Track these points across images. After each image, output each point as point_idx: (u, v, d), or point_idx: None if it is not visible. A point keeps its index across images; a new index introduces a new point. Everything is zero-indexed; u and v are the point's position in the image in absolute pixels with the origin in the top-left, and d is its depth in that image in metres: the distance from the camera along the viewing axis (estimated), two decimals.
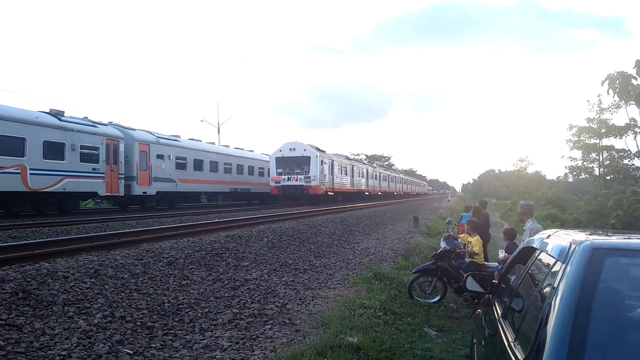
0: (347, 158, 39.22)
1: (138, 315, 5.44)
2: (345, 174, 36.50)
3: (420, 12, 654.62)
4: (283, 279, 8.18)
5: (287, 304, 6.71)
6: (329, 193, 31.97)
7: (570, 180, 50.56)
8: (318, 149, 30.92)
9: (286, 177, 29.34)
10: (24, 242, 8.60)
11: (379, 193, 51.30)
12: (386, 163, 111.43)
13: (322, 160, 30.12)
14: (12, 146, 16.27)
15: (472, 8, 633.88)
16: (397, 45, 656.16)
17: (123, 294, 6.00)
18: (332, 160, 32.90)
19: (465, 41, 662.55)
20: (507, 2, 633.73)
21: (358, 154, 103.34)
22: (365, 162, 48.54)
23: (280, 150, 30.11)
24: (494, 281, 3.81)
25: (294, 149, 29.77)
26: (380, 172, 53.61)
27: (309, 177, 29.00)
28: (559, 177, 65.14)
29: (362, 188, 42.96)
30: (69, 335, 4.63)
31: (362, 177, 42.74)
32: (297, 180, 29.01)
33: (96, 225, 12.48)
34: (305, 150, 29.81)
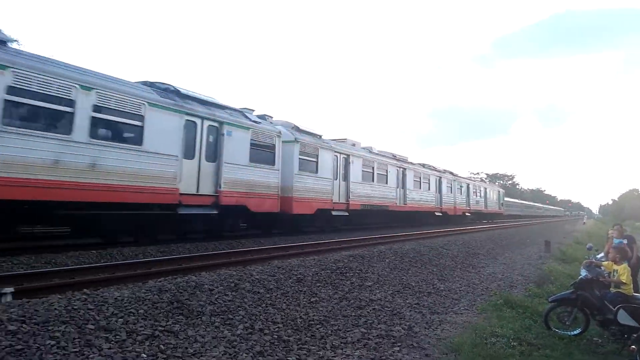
0: (394, 157, 26.53)
1: (274, 329, 5.79)
2: (377, 181, 23.38)
3: (543, 23, 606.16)
4: (407, 301, 8.12)
5: (413, 326, 6.65)
6: (340, 212, 19.77)
7: None
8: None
9: None
10: (173, 256, 9.64)
11: (467, 214, 37.48)
12: (509, 183, 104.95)
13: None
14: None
15: (600, 14, 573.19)
16: (519, 57, 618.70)
17: (260, 308, 6.46)
18: (348, 155, 20.79)
19: (596, 49, 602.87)
20: None
21: (477, 173, 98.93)
22: (426, 165, 31.81)
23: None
24: None
25: None
26: (468, 184, 38.76)
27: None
28: None
29: (429, 205, 29.92)
30: (216, 344, 5.08)
31: (425, 188, 29.47)
32: None
33: (230, 242, 13.54)
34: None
